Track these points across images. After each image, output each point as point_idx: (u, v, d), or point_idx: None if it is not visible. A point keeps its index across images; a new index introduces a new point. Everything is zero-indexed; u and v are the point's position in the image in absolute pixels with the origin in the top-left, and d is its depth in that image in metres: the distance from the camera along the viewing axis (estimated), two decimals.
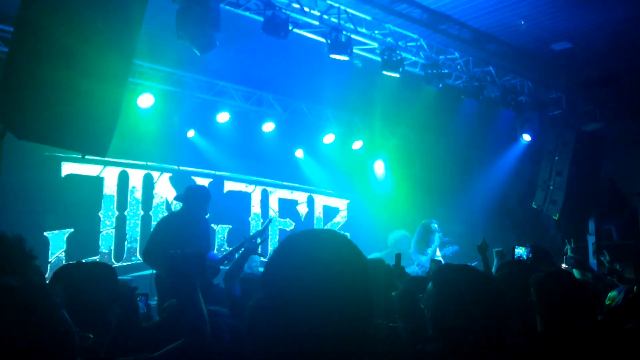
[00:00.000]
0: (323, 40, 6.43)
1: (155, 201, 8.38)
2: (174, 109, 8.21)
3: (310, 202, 10.41)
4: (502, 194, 10.76)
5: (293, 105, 9.40)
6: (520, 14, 6.70)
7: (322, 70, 7.33)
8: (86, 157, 4.60)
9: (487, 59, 8.12)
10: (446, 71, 7.73)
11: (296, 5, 6.14)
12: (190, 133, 8.52)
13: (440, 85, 7.53)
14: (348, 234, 9.77)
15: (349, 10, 6.58)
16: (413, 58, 7.41)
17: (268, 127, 9.12)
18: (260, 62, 7.60)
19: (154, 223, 7.82)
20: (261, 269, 1.50)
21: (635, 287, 3.73)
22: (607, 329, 2.88)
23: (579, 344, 2.42)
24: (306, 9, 6.23)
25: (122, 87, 4.37)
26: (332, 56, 6.43)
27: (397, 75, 7.01)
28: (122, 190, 8.03)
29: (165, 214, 8.08)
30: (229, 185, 9.31)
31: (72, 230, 7.41)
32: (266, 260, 1.35)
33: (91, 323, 1.90)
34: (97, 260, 7.38)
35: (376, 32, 6.90)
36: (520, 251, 5.20)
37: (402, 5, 6.60)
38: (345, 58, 6.46)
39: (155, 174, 8.42)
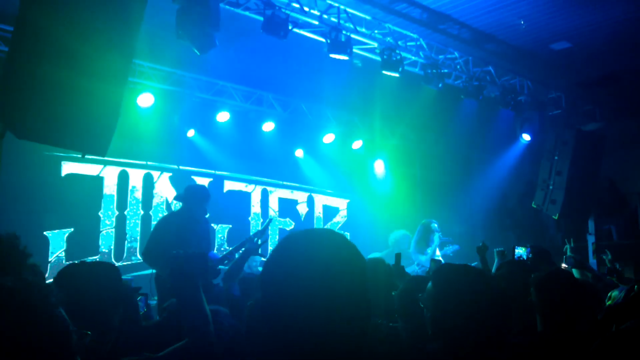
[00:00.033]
0: (323, 39, 6.43)
1: (155, 201, 8.37)
2: (173, 109, 8.20)
3: (310, 202, 10.41)
4: (502, 194, 10.77)
5: (293, 104, 9.40)
6: (520, 14, 6.70)
7: (322, 69, 7.33)
8: (86, 156, 4.60)
9: (486, 59, 8.12)
10: (446, 71, 7.73)
11: (296, 5, 6.14)
12: (190, 133, 8.52)
13: (440, 85, 7.54)
14: (348, 234, 9.78)
15: (348, 9, 6.58)
16: (413, 58, 7.41)
17: (268, 126, 9.12)
18: (260, 62, 7.59)
19: (154, 223, 7.82)
20: (260, 269, 1.49)
21: (635, 287, 3.73)
22: (607, 327, 2.89)
23: (579, 343, 2.42)
24: (306, 9, 6.23)
25: (122, 87, 4.38)
26: (332, 56, 6.43)
27: (397, 74, 7.02)
28: (122, 190, 8.03)
29: (165, 213, 8.08)
30: (228, 185, 9.31)
31: (72, 229, 7.41)
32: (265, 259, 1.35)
33: (93, 323, 1.91)
34: (97, 259, 7.38)
35: (376, 31, 6.90)
36: (520, 251, 5.21)
37: (402, 5, 6.61)
38: (345, 58, 6.46)
39: (155, 174, 8.42)
